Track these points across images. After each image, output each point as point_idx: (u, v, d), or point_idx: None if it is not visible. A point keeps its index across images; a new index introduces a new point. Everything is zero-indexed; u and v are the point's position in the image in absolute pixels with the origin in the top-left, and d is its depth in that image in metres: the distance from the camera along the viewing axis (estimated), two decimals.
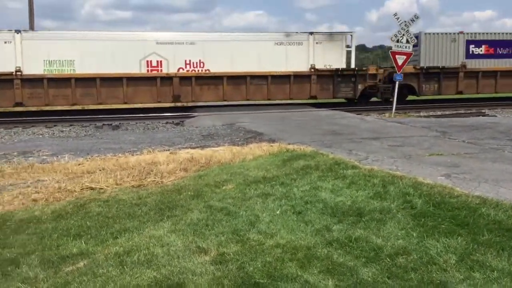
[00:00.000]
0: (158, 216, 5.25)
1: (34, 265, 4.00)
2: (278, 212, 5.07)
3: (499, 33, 21.26)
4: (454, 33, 20.91)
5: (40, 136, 13.59)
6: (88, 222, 5.12)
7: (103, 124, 15.73)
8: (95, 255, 4.18)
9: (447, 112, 18.23)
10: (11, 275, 3.83)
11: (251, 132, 11.89)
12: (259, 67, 19.14)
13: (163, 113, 18.39)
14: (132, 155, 9.15)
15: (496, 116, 16.76)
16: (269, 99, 19.67)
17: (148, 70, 18.38)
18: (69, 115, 18.04)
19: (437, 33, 20.88)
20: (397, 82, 16.15)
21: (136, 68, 18.25)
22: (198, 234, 4.52)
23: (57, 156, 9.33)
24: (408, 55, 15.93)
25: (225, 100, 19.32)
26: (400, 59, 15.85)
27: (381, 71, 20.61)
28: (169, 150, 9.56)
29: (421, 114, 17.73)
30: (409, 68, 19.43)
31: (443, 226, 4.36)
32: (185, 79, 18.65)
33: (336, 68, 19.76)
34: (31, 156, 9.55)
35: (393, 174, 6.29)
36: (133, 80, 18.14)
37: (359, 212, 4.88)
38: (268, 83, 19.21)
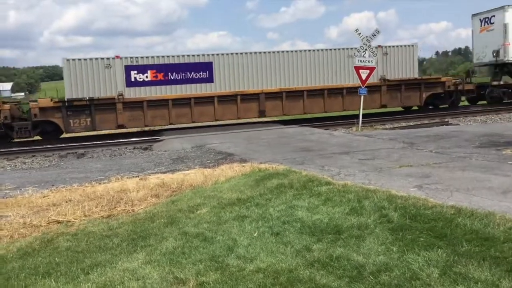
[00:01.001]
0: (131, 247, 5.05)
1: None
2: (255, 234, 4.96)
3: (170, 56, 18.83)
4: (109, 58, 18.06)
5: (2, 169, 13.05)
6: (57, 259, 4.87)
7: (67, 153, 15.27)
8: None
9: (411, 123, 18.62)
10: None
11: (221, 153, 11.77)
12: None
13: (129, 138, 18.03)
14: (100, 183, 8.86)
15: (459, 124, 17.24)
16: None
17: None
18: (32, 146, 17.45)
19: (85, 59, 17.94)
20: (362, 96, 16.42)
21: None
22: (175, 264, 4.35)
23: (21, 189, 8.94)
24: (371, 69, 16.27)
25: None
26: (364, 74, 16.17)
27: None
28: (138, 176, 9.32)
29: (387, 126, 18.05)
30: (46, 102, 17.76)
31: (421, 239, 4.35)
32: None
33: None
34: None
35: (366, 188, 6.30)
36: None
37: (337, 230, 4.83)
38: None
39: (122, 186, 8.21)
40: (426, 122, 18.71)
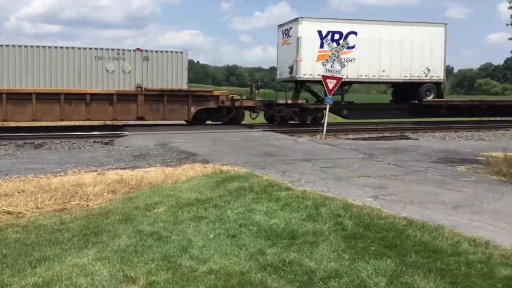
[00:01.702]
0: (83, 242, 4.95)
1: None
2: (211, 236, 4.95)
3: None
4: None
5: None
6: (4, 250, 4.72)
7: (25, 143, 14.79)
8: (11, 287, 3.83)
9: (373, 135, 19.06)
10: None
11: (184, 153, 11.68)
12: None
13: (91, 131, 17.63)
14: (56, 176, 8.62)
15: (418, 139, 17.75)
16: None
17: None
18: None
19: None
20: (327, 105, 16.68)
21: None
22: (126, 262, 4.28)
23: None
24: (338, 79, 16.57)
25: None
26: (331, 83, 16.43)
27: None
28: (96, 171, 9.12)
29: (350, 136, 18.41)
30: None
31: (372, 248, 4.45)
32: None
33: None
34: None
35: (325, 196, 6.39)
36: None
37: (293, 235, 4.87)
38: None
39: (79, 180, 8.02)
40: (387, 135, 19.19)
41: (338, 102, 22.01)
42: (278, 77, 23.40)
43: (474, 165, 9.73)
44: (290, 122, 21.55)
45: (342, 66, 21.03)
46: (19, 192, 7.21)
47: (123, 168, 9.50)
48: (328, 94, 16.57)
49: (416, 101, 22.98)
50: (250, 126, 20.30)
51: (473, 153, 11.81)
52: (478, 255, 4.19)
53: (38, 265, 4.31)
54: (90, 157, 11.50)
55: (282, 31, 22.81)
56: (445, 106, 23.49)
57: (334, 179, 8.01)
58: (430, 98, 22.83)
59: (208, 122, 20.75)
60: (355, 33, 21.43)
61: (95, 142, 15.33)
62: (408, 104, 23.40)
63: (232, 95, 21.10)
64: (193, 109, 19.68)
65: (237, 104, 20.51)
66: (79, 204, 6.69)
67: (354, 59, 21.38)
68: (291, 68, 21.41)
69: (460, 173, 8.83)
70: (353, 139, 17.47)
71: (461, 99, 28.68)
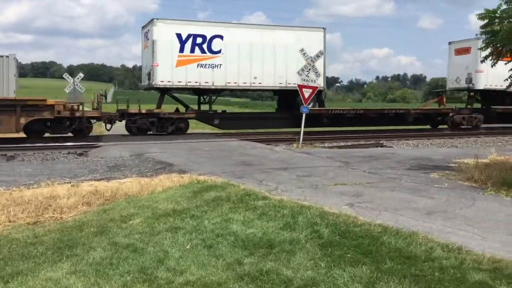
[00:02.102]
0: (57, 256, 4.85)
1: None
2: (188, 246, 4.92)
3: None
4: None
5: None
6: None
7: None
8: None
9: (349, 143, 19.29)
10: None
11: (160, 163, 11.59)
12: None
13: (64, 142, 17.32)
14: (28, 188, 8.43)
15: (392, 147, 18.04)
16: None
17: None
18: None
19: None
20: (304, 114, 16.82)
21: None
22: (101, 275, 4.22)
23: None
24: (314, 88, 16.73)
25: None
26: (307, 92, 16.58)
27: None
28: (70, 182, 8.96)
29: (326, 145, 18.58)
30: None
31: (348, 255, 4.50)
32: None
33: None
34: None
35: (301, 204, 6.43)
36: None
37: (270, 244, 4.89)
38: None
39: (52, 192, 7.85)
40: (363, 142, 19.43)
41: (206, 111, 21.42)
42: (142, 83, 21.72)
43: (447, 171, 9.94)
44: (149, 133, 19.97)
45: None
46: None
47: (98, 180, 9.36)
48: (304, 103, 16.70)
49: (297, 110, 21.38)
50: (228, 136, 20.27)
51: (445, 160, 12.07)
52: (451, 261, 4.28)
53: (10, 280, 4.20)
54: (64, 168, 11.30)
55: (144, 33, 21.13)
56: (326, 115, 22.48)
57: (311, 187, 8.07)
58: (310, 106, 21.25)
59: (189, 131, 20.59)
60: (221, 37, 20.06)
61: (69, 153, 15.07)
62: (290, 113, 21.86)
63: (72, 104, 18.78)
64: (23, 120, 17.22)
65: (78, 114, 18.34)
66: (52, 216, 6.57)
67: (220, 65, 20.09)
68: (149, 74, 20.04)
69: (433, 180, 9.01)
70: (329, 147, 17.65)
71: (344, 108, 26.78)
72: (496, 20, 9.27)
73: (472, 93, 26.26)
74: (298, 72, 19.08)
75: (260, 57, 20.52)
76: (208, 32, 19.92)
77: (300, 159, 12.25)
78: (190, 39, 19.63)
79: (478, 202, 6.97)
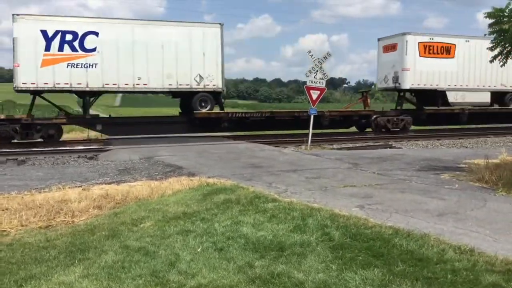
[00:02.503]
0: (69, 260, 4.89)
1: None
2: (199, 249, 4.94)
3: None
4: None
5: None
6: None
7: (7, 159, 14.56)
8: None
9: (357, 145, 19.22)
10: None
11: (170, 166, 11.64)
12: None
13: (75, 146, 17.46)
14: (40, 192, 8.50)
15: (401, 148, 17.96)
16: None
17: None
18: None
19: None
20: (312, 116, 16.79)
21: None
22: (114, 278, 4.24)
23: None
24: (322, 90, 16.68)
25: None
26: (315, 94, 16.55)
27: None
28: (81, 186, 9.03)
29: (334, 146, 18.53)
30: None
31: (360, 257, 4.49)
32: None
33: None
34: None
35: (311, 207, 6.43)
36: None
37: (281, 247, 4.89)
38: None
39: (63, 196, 7.92)
40: (371, 144, 19.35)
41: (83, 116, 19.16)
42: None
43: (457, 172, 9.88)
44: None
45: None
46: (2, 210, 7.09)
47: (109, 183, 9.42)
48: (312, 105, 16.69)
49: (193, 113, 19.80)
50: (235, 138, 20.29)
51: (455, 160, 12.00)
52: (463, 263, 4.26)
53: (24, 284, 4.24)
54: (74, 172, 11.38)
55: None
56: (227, 119, 20.45)
57: (320, 189, 8.06)
58: (206, 109, 19.75)
59: (196, 134, 20.56)
60: (96, 34, 17.92)
61: (79, 157, 15.19)
62: (187, 117, 20.47)
63: None
64: None
65: None
66: (64, 220, 6.62)
67: (96, 64, 17.94)
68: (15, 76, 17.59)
69: (444, 181, 8.96)
70: (338, 149, 17.60)
71: (247, 111, 25.07)
72: (504, 19, 9.20)
73: (402, 93, 24.54)
74: (306, 74, 18.92)
75: (144, 56, 18.43)
76: (80, 28, 17.80)
77: (308, 161, 12.23)
78: (58, 36, 17.45)
79: (489, 203, 6.92)
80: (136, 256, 4.83)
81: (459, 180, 9.02)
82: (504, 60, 9.84)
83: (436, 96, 23.44)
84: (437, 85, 23.13)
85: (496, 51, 9.73)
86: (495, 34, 9.53)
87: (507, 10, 9.17)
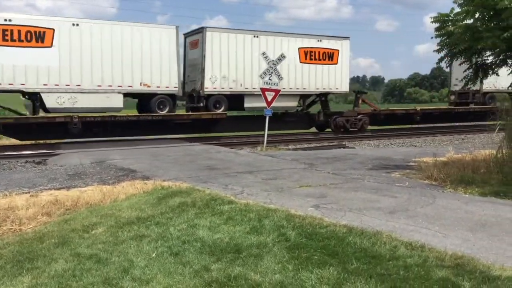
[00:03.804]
0: (16, 269, 4.67)
1: None
2: (154, 255, 4.83)
3: None
4: None
5: None
6: None
7: None
8: None
9: (312, 145, 19.50)
10: None
11: (123, 170, 11.36)
12: None
13: (22, 151, 16.72)
14: None
15: (354, 148, 18.37)
16: None
17: None
18: None
19: None
20: (267, 117, 16.89)
21: None
22: (64, 287, 4.08)
23: None
24: (276, 91, 16.81)
25: None
26: (269, 95, 16.65)
27: None
28: (29, 192, 8.64)
29: (290, 147, 18.71)
30: None
31: (315, 257, 4.53)
32: None
33: None
34: None
35: (267, 208, 6.44)
36: None
37: (237, 249, 4.86)
38: None
39: (10, 203, 7.55)
40: (326, 144, 19.70)
41: None
42: None
43: (407, 170, 10.21)
44: None
45: None
46: None
47: (58, 189, 9.07)
48: (267, 106, 16.78)
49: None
50: (190, 140, 20.10)
51: (405, 159, 12.39)
52: (414, 259, 4.39)
53: None
54: (22, 178, 10.89)
55: None
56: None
57: (276, 190, 8.10)
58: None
59: (151, 136, 20.14)
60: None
61: (26, 162, 14.55)
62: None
63: None
64: None
65: None
66: (11, 228, 6.32)
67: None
68: None
69: (395, 179, 9.23)
70: (294, 149, 17.78)
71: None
72: (449, 23, 9.61)
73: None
74: (261, 76, 18.97)
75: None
76: None
77: (265, 162, 12.28)
78: None
79: (438, 200, 7.19)
80: (87, 263, 4.66)
81: (409, 178, 9.32)
82: (450, 61, 10.27)
83: None
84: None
85: (442, 53, 10.14)
86: (441, 38, 9.93)
87: (451, 15, 9.59)
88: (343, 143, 20.06)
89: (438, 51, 10.16)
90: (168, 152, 15.05)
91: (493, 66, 9.99)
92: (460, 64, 10.53)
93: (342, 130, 23.35)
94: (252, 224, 5.65)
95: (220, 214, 6.18)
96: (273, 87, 16.74)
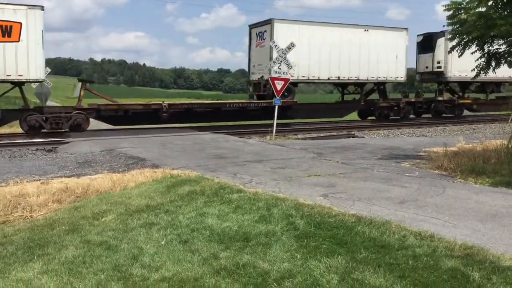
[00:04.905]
0: (27, 255, 4.72)
1: None
2: (163, 242, 4.86)
3: None
4: None
5: None
6: None
7: None
8: None
9: (321, 134, 19.44)
10: None
11: (132, 158, 11.42)
12: None
13: (32, 139, 16.87)
14: None
15: (364, 137, 18.29)
16: None
17: None
18: None
19: None
20: (276, 106, 16.84)
21: None
22: (74, 274, 4.13)
23: None
24: (286, 80, 16.73)
25: None
26: (279, 84, 16.58)
27: None
28: (40, 180, 8.73)
29: (299, 136, 18.67)
30: None
31: (324, 246, 4.53)
32: None
33: None
34: None
35: (276, 197, 6.45)
36: None
37: (246, 237, 4.88)
38: None
39: (21, 190, 7.63)
40: (335, 134, 19.62)
41: None
42: None
43: (417, 160, 10.14)
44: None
45: None
46: None
47: (68, 176, 9.15)
48: (276, 96, 16.72)
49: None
50: (199, 129, 20.13)
51: (415, 149, 12.31)
52: (424, 248, 4.37)
53: None
54: (32, 165, 11.00)
55: None
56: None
57: (285, 179, 8.10)
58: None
59: (156, 125, 20.25)
60: None
61: (37, 150, 14.67)
62: None
63: None
64: None
65: None
66: (22, 215, 6.40)
67: None
68: None
69: (404, 169, 9.17)
70: (302, 139, 17.74)
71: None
72: (462, 11, 9.46)
73: None
74: (270, 65, 18.87)
75: None
76: None
77: (273, 151, 12.27)
78: None
79: (448, 190, 7.14)
80: (97, 250, 4.71)
81: (419, 168, 9.25)
82: (462, 50, 10.12)
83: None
84: None
85: (454, 42, 9.99)
86: (453, 26, 9.79)
87: (464, 2, 9.43)
88: (352, 132, 19.96)
89: (451, 39, 10.01)
90: (177, 141, 15.09)
91: (506, 55, 9.83)
92: (472, 53, 10.33)
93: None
94: (260, 212, 5.66)
95: (229, 202, 6.20)
96: (283, 76, 16.65)
